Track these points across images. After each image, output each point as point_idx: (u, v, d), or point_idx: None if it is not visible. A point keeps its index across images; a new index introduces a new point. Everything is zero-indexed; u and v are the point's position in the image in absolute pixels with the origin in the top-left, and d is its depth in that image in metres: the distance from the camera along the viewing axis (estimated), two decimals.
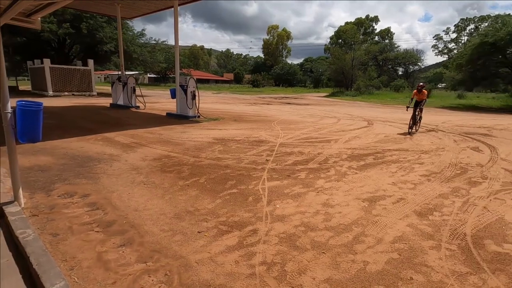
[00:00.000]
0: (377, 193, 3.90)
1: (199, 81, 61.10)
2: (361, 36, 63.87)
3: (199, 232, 2.81)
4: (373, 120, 12.11)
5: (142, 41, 26.58)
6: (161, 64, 31.91)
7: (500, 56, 21.34)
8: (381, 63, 50.84)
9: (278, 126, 9.50)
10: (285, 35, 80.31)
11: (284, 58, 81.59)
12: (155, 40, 30.28)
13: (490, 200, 3.74)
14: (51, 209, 3.20)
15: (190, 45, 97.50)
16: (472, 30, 50.52)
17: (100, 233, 2.74)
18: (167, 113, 11.68)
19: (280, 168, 4.93)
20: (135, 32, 25.96)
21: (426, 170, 4.99)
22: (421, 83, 9.37)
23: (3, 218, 2.86)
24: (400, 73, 50.57)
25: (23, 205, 3.13)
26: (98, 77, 60.04)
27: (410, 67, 49.70)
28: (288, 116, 12.90)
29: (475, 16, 53.10)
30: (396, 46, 54.92)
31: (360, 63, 42.05)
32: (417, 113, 8.88)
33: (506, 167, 5.26)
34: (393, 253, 2.52)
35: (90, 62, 21.69)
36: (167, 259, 2.37)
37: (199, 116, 10.84)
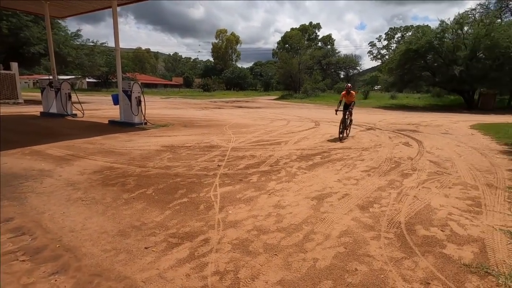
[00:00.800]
0: (324, 191, 4.11)
1: (146, 85, 58.14)
2: (305, 42, 67.36)
3: (146, 248, 2.63)
4: (320, 121, 12.83)
5: (78, 43, 24.31)
6: (102, 67, 29.56)
7: (422, 62, 24.40)
8: (325, 67, 54.25)
9: (229, 130, 9.47)
10: (234, 39, 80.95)
11: (234, 62, 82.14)
12: (93, 42, 27.93)
13: (419, 189, 4.21)
14: None
15: (135, 47, 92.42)
16: (399, 38, 56.92)
17: (26, 262, 2.39)
18: (109, 121, 10.83)
19: (232, 172, 4.90)
20: (69, 32, 23.64)
21: (367, 166, 5.43)
22: (349, 84, 8.65)
23: None
24: (342, 76, 54.59)
25: None
26: (26, 82, 53.22)
27: (350, 71, 54.01)
28: (240, 119, 12.97)
29: (401, 26, 59.98)
30: (337, 51, 59.18)
31: (306, 67, 44.35)
32: (346, 116, 8.28)
33: (431, 159, 6.00)
34: (340, 247, 2.67)
35: (14, 65, 19.07)
36: (109, 282, 2.17)
37: (146, 123, 10.27)
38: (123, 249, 2.61)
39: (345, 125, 8.31)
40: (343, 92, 8.55)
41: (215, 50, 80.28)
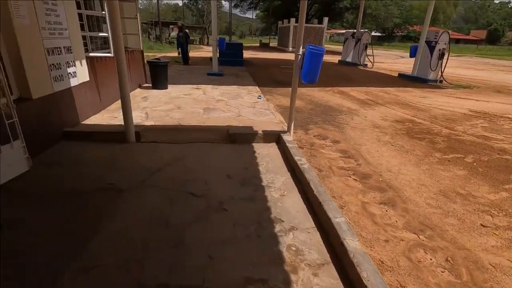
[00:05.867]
0: None
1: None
2: None
3: (483, 225, 2.15)
4: None
5: None
6: (395, 19, 28.32)
7: None
8: None
9: None
10: None
11: None
12: None
13: None
14: (311, 146, 3.58)
15: None
16: None
17: (358, 182, 2.73)
18: (399, 74, 10.43)
19: None
20: None
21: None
22: None
23: (280, 143, 3.48)
24: None
25: (291, 138, 3.67)
26: (326, 35, 63.73)
27: None
28: None
29: None
30: None
31: None
32: None
33: None
34: None
35: (325, 20, 22.71)
36: (444, 242, 1.96)
37: (441, 81, 8.87)
38: (451, 212, 2.30)
39: None
40: None
41: None
